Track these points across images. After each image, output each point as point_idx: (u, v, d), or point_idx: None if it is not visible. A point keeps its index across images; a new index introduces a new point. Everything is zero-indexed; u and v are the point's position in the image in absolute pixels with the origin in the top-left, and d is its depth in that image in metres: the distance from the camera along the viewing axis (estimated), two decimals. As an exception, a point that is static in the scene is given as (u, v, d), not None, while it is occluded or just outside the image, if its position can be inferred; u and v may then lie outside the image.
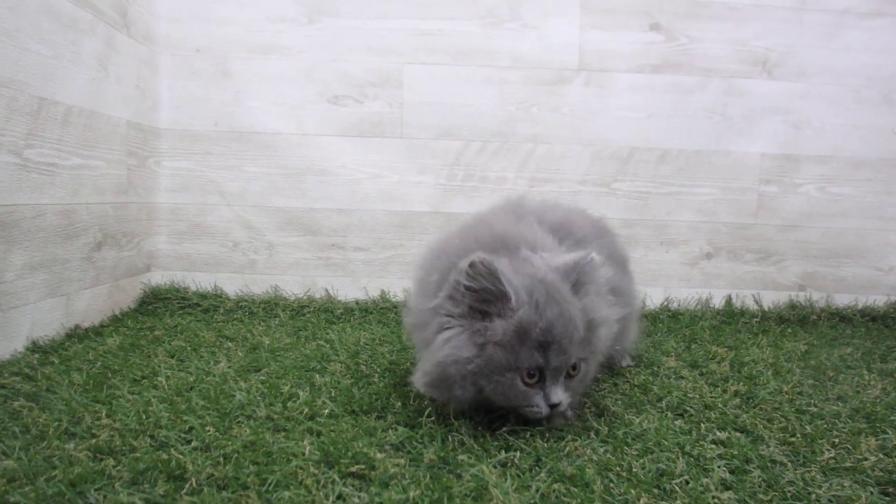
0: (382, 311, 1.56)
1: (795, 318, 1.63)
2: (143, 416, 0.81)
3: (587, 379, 0.83)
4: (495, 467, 0.71)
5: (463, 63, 1.63)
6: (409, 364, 1.12)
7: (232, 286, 1.63)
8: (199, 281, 1.63)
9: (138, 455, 0.71)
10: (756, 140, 1.68)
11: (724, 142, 1.68)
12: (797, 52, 1.66)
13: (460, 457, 0.73)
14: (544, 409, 0.78)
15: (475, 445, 0.77)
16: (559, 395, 0.78)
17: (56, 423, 0.78)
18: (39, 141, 1.12)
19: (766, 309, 1.68)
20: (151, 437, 0.76)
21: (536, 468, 0.72)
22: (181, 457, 0.70)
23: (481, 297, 0.77)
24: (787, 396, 1.00)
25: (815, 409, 0.94)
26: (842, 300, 1.70)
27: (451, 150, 1.65)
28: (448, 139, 1.65)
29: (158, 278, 1.62)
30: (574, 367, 0.80)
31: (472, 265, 0.76)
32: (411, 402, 0.91)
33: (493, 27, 1.63)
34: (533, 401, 0.78)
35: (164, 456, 0.70)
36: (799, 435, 0.83)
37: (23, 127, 1.08)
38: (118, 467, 0.68)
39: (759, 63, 1.67)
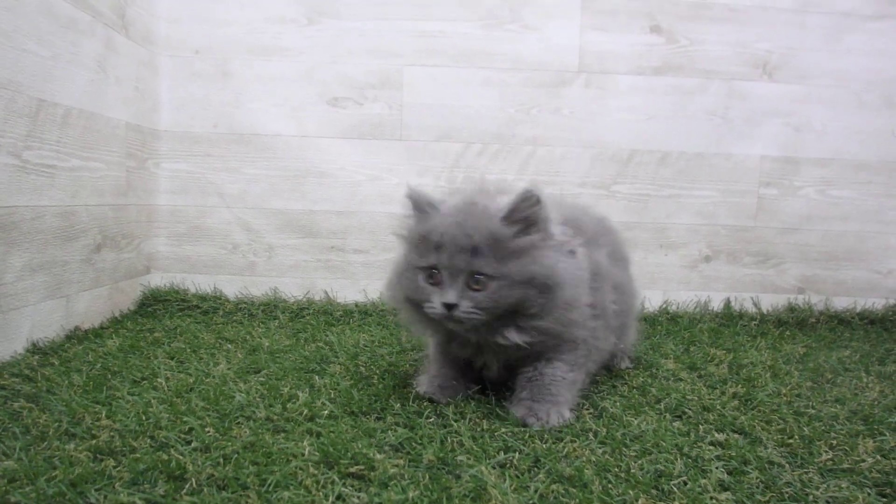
0: (382, 314, 1.56)
1: (794, 321, 1.63)
2: (143, 417, 0.81)
3: (501, 301, 0.85)
4: (494, 468, 0.71)
5: (463, 65, 1.63)
6: (407, 366, 1.12)
7: (231, 288, 1.63)
8: (198, 283, 1.63)
9: (138, 455, 0.71)
10: (756, 142, 1.68)
11: (724, 144, 1.68)
12: (798, 54, 1.67)
13: (459, 457, 0.73)
14: (438, 307, 0.86)
15: (474, 446, 0.77)
16: (453, 296, 0.85)
17: (56, 424, 0.78)
18: (38, 142, 1.12)
19: (765, 312, 1.68)
20: (151, 437, 0.76)
21: (535, 469, 0.72)
22: (181, 457, 0.70)
23: (417, 216, 0.92)
24: (785, 398, 1.00)
25: (813, 412, 0.94)
26: (840, 303, 1.71)
27: (451, 153, 1.65)
28: (448, 141, 1.65)
29: (158, 280, 1.62)
30: (477, 282, 0.85)
31: (407, 193, 0.93)
32: (410, 403, 0.91)
33: (494, 29, 1.63)
34: (431, 297, 0.87)
35: (165, 456, 0.70)
36: (797, 437, 0.83)
37: (22, 128, 1.08)
38: (118, 468, 0.68)
39: (760, 65, 1.67)
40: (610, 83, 1.65)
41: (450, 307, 0.85)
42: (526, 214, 0.86)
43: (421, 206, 0.92)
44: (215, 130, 1.63)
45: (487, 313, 0.85)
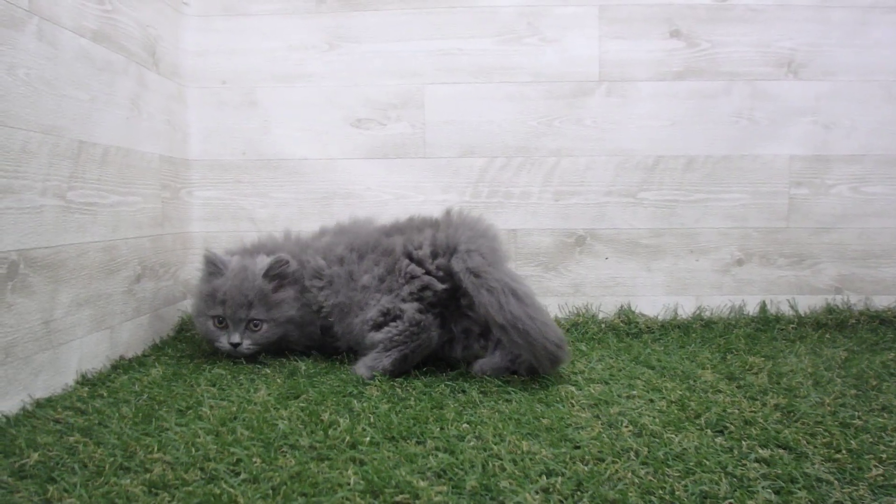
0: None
1: (833, 323, 1.60)
2: (192, 449, 0.84)
3: (272, 337, 1.28)
4: (537, 493, 0.72)
5: (483, 80, 1.65)
6: (443, 386, 1.13)
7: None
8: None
9: (191, 489, 0.73)
10: (784, 142, 1.66)
11: (751, 146, 1.66)
12: (823, 50, 1.64)
13: (502, 483, 0.74)
14: (226, 345, 1.27)
15: (515, 471, 0.77)
16: (237, 338, 1.26)
17: (111, 459, 0.81)
18: (80, 182, 1.17)
19: (803, 314, 1.65)
20: (201, 469, 0.79)
21: (578, 493, 0.73)
22: (232, 490, 0.72)
23: (207, 276, 1.30)
24: (829, 409, 0.98)
25: (860, 422, 0.92)
26: (881, 302, 1.66)
27: (475, 168, 1.66)
28: (471, 157, 1.66)
29: (195, 305, 1.67)
30: (256, 325, 1.27)
31: (204, 255, 1.31)
32: (449, 426, 0.92)
33: (512, 43, 1.64)
34: (219, 338, 1.27)
35: (216, 490, 0.72)
36: (844, 450, 0.82)
37: (65, 170, 1.12)
38: (173, 502, 0.71)
39: (785, 64, 1.65)
40: (632, 91, 1.65)
41: (235, 345, 1.26)
42: (278, 272, 1.27)
43: (214, 265, 1.28)
44: (244, 157, 1.67)
45: (262, 347, 1.28)
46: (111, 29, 1.28)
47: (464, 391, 1.09)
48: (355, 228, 1.35)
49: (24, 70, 1.02)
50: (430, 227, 1.26)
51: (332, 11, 1.64)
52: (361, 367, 1.20)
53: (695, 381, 1.14)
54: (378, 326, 1.21)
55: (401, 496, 0.71)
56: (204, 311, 1.27)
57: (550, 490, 0.73)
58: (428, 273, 1.20)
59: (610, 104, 1.65)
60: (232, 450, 0.83)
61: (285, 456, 0.82)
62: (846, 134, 1.66)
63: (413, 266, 1.20)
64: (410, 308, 1.18)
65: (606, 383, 1.14)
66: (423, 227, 1.27)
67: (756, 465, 0.78)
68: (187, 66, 1.64)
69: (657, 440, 0.86)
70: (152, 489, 0.74)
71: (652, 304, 1.68)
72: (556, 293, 1.68)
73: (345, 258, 1.28)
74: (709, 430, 0.90)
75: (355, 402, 1.04)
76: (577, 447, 0.85)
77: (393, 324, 1.19)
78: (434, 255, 1.20)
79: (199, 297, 1.30)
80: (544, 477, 0.76)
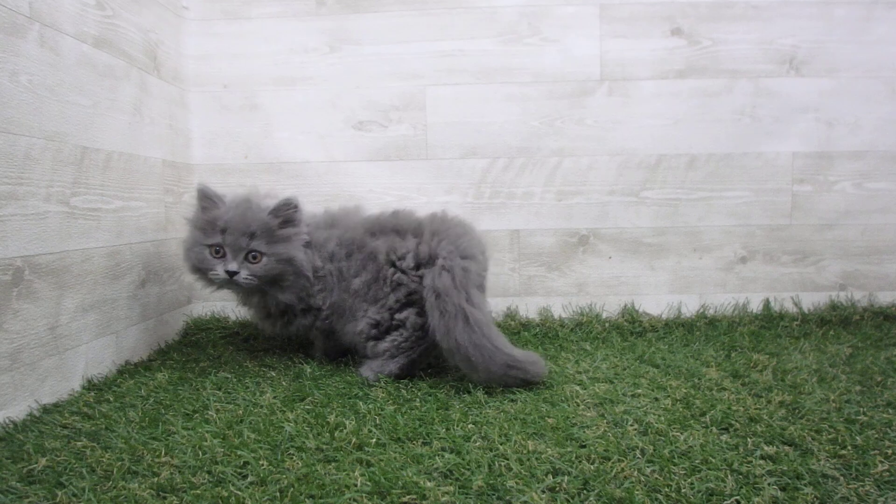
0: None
1: (837, 320, 1.59)
2: (200, 452, 0.84)
3: (269, 272, 1.22)
4: (544, 492, 0.72)
5: (484, 81, 1.65)
6: (447, 386, 1.13)
7: (270, 313, 1.67)
8: (238, 310, 1.67)
9: (199, 492, 0.74)
10: (787, 140, 1.66)
11: (753, 143, 1.66)
12: (826, 47, 1.64)
13: (509, 483, 0.74)
14: (221, 273, 1.21)
15: (522, 470, 0.77)
16: (234, 266, 1.20)
17: (119, 463, 0.82)
18: (84, 188, 1.18)
19: (807, 311, 1.65)
20: (209, 472, 0.79)
21: (585, 492, 0.73)
22: (239, 493, 0.72)
23: (203, 207, 1.25)
24: (834, 405, 0.98)
25: (865, 418, 0.92)
26: (885, 298, 1.66)
27: (478, 169, 1.67)
28: (474, 158, 1.67)
29: (199, 310, 1.67)
30: (254, 257, 1.22)
31: (197, 188, 1.26)
32: (455, 426, 0.92)
33: (513, 44, 1.64)
34: (215, 267, 1.21)
35: (224, 493, 0.72)
36: (849, 447, 0.82)
37: (69, 176, 1.13)
38: (180, 506, 0.71)
39: (787, 61, 1.65)
40: (633, 90, 1.65)
41: (232, 274, 1.20)
42: (286, 214, 1.23)
43: (209, 199, 1.25)
44: (246, 161, 1.67)
45: (259, 280, 1.22)
46: (112, 34, 1.28)
47: (469, 391, 1.10)
48: (345, 220, 1.33)
49: (26, 76, 1.02)
50: (412, 233, 1.25)
51: (332, 14, 1.65)
52: (367, 371, 1.21)
53: (699, 378, 1.14)
54: (374, 338, 1.22)
55: (408, 497, 0.71)
56: (200, 241, 1.23)
57: (557, 489, 0.73)
58: (412, 280, 1.21)
59: (612, 103, 1.65)
60: (239, 452, 0.84)
61: (292, 458, 0.82)
62: (849, 131, 1.66)
63: (399, 274, 1.21)
64: (410, 314, 1.20)
65: (611, 382, 1.14)
66: (406, 230, 1.26)
67: (762, 461, 0.78)
68: (189, 71, 1.64)
69: (663, 438, 0.87)
70: (160, 493, 0.74)
71: (656, 303, 1.68)
72: (560, 293, 1.68)
73: (335, 254, 1.28)
74: (714, 428, 0.90)
75: (361, 403, 1.04)
76: (583, 446, 0.85)
77: (396, 332, 1.21)
78: (417, 267, 1.21)
79: (194, 227, 1.25)
80: (550, 476, 0.76)
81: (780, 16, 1.63)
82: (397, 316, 1.21)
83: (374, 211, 1.36)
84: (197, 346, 1.52)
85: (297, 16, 1.65)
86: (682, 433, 0.88)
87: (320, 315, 1.29)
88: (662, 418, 0.94)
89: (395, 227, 1.27)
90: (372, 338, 1.23)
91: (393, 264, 1.22)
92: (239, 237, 1.20)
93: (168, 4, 1.54)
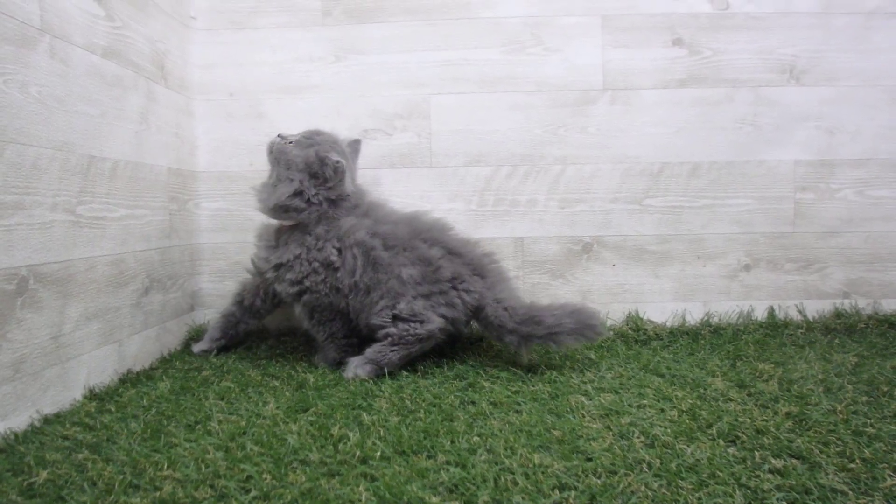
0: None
1: (842, 328, 1.59)
2: (202, 466, 0.84)
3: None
4: (550, 507, 0.72)
5: (488, 90, 1.65)
6: (452, 397, 1.13)
7: (273, 321, 1.67)
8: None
9: (202, 507, 0.73)
10: (789, 148, 1.66)
11: (755, 152, 1.66)
12: (825, 56, 1.64)
13: (515, 498, 0.74)
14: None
15: (528, 485, 0.77)
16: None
17: (120, 477, 0.81)
18: (90, 197, 1.18)
19: (811, 319, 1.64)
20: (211, 486, 0.79)
21: (591, 506, 0.72)
22: (243, 507, 0.72)
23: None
24: (841, 416, 0.98)
25: (873, 430, 0.91)
26: (890, 306, 1.66)
27: (481, 177, 1.67)
28: (477, 166, 1.67)
29: (202, 317, 1.67)
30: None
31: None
32: (460, 438, 0.92)
33: (517, 53, 1.65)
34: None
35: (227, 507, 0.72)
36: (858, 460, 0.81)
37: (75, 186, 1.13)
38: (184, 520, 0.70)
39: (787, 70, 1.65)
40: (635, 99, 1.65)
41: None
42: (321, 170, 1.35)
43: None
44: (252, 168, 1.67)
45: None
46: (121, 45, 1.28)
47: (473, 402, 1.09)
48: (414, 224, 1.38)
49: (36, 88, 1.03)
50: (475, 270, 1.34)
51: (338, 24, 1.65)
52: (360, 363, 1.28)
53: (705, 389, 1.14)
54: (399, 319, 1.28)
55: (413, 511, 0.71)
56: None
57: (563, 504, 0.73)
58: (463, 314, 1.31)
59: (614, 112, 1.65)
60: (242, 466, 0.83)
61: (296, 472, 0.82)
62: (850, 138, 1.66)
63: (457, 299, 1.30)
64: (439, 322, 1.28)
65: (617, 392, 1.14)
66: (468, 261, 1.34)
67: (770, 475, 0.78)
68: (195, 80, 1.65)
69: (669, 451, 0.86)
70: (164, 506, 0.74)
71: (660, 311, 1.68)
72: (564, 300, 1.67)
73: (393, 247, 1.32)
74: (721, 441, 0.90)
75: (365, 415, 1.03)
76: (590, 459, 0.84)
77: (413, 324, 1.27)
78: (476, 310, 1.32)
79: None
80: (557, 491, 0.75)
81: (779, 26, 1.64)
82: (431, 316, 1.28)
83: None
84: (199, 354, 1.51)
85: (304, 25, 1.65)
86: (688, 446, 0.87)
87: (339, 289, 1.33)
88: (669, 430, 0.94)
89: (454, 249, 1.35)
90: (396, 318, 1.28)
91: (455, 288, 1.31)
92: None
93: (176, 14, 1.55)
